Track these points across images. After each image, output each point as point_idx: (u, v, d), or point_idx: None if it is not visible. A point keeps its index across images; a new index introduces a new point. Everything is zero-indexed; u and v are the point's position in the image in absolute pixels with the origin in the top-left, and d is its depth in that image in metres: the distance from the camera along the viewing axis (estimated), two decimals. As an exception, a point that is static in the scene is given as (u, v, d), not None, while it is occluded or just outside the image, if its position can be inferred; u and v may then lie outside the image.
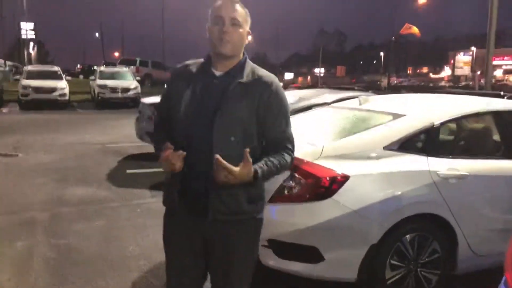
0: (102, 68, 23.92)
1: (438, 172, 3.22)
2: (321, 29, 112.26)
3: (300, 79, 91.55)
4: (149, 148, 9.43)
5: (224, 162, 1.82)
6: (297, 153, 3.18)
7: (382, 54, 78.23)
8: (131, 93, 20.84)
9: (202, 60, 2.11)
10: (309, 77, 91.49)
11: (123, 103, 20.44)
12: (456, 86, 47.99)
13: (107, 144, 10.35)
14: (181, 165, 1.92)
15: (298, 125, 4.24)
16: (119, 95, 20.71)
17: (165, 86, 2.20)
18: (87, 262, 3.97)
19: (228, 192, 1.96)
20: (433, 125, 3.40)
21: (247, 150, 1.85)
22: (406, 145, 3.30)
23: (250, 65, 2.06)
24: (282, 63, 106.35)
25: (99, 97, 20.62)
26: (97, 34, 73.89)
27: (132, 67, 29.12)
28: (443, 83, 64.14)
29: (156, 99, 9.23)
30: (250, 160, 1.86)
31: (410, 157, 3.26)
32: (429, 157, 3.28)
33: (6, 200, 5.84)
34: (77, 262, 3.96)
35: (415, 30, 27.85)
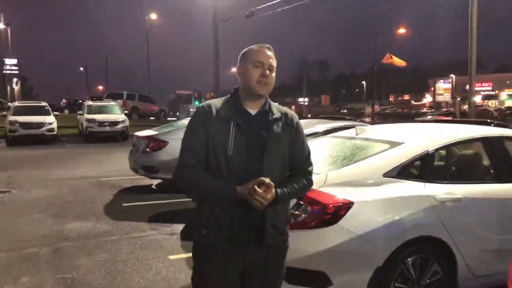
0: (90, 102, 24.01)
1: (435, 197, 3.41)
2: (304, 59, 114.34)
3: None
4: (143, 181, 9.56)
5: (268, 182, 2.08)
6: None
7: (364, 82, 79.84)
8: (119, 126, 20.92)
9: (226, 98, 2.29)
10: (293, 107, 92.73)
11: (111, 137, 20.50)
12: (437, 112, 49.17)
13: (100, 178, 10.38)
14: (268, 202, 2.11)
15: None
16: (107, 128, 20.76)
17: (192, 127, 2.22)
18: (95, 295, 4.03)
19: (278, 217, 2.23)
20: (428, 151, 3.61)
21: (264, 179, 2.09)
22: (404, 171, 3.49)
23: (273, 104, 2.32)
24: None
25: (88, 131, 20.63)
26: (81, 69, 74.24)
27: (119, 100, 29.25)
28: (424, 110, 65.43)
29: (149, 132, 9.39)
30: (272, 184, 2.10)
31: (409, 183, 3.44)
32: (426, 183, 3.47)
33: (5, 237, 5.85)
34: (85, 296, 4.01)
35: (396, 60, 28.61)
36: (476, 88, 75.57)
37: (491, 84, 77.44)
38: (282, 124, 2.25)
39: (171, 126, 9.70)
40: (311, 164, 2.37)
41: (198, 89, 55.57)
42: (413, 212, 3.31)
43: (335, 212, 3.15)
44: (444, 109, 59.17)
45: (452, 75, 74.87)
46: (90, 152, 16.23)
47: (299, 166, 2.32)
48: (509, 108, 51.35)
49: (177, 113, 37.98)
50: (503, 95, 73.62)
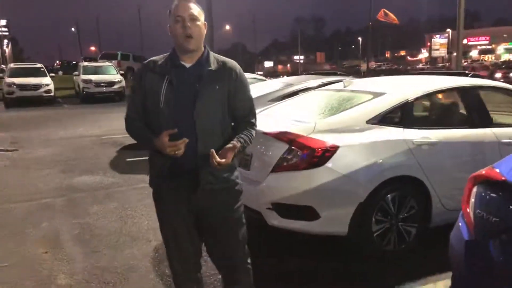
0: (85, 63, 24.06)
1: (413, 140, 3.81)
2: (299, 16, 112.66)
3: (280, 66, 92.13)
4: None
5: (216, 158, 2.18)
6: (293, 129, 3.76)
7: (360, 39, 79.16)
8: (116, 87, 21.14)
9: (167, 55, 2.39)
10: (289, 65, 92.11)
11: (108, 97, 20.76)
12: (434, 67, 49.29)
13: (102, 136, 10.77)
14: (182, 151, 2.18)
15: (292, 106, 4.81)
16: (104, 89, 20.98)
17: (134, 83, 2.42)
18: (110, 236, 4.49)
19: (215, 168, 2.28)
20: (407, 100, 4.00)
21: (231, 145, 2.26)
22: (385, 119, 3.88)
23: (212, 54, 2.37)
24: (261, 52, 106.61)
25: (84, 92, 20.86)
26: (73, 29, 73.02)
27: (113, 61, 29.24)
28: (420, 65, 65.39)
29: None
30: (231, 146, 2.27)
31: (389, 129, 3.84)
32: (405, 129, 3.87)
33: (20, 189, 6.29)
34: (101, 237, 4.47)
35: (391, 16, 28.53)
36: (473, 43, 74.91)
37: (487, 38, 77.07)
38: (217, 74, 2.31)
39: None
40: (254, 116, 2.46)
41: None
42: (392, 154, 3.73)
43: (322, 155, 3.56)
44: (440, 64, 59.12)
45: (448, 30, 74.31)
46: (88, 113, 16.54)
47: (243, 118, 2.41)
48: (505, 62, 51.35)
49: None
50: (500, 49, 73.36)
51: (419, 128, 3.95)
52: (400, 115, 3.99)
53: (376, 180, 3.67)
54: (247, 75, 10.68)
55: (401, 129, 3.87)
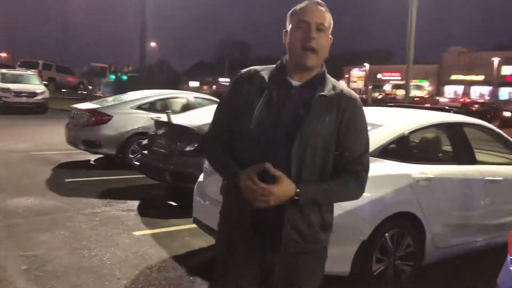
0: (4, 70, 22.11)
1: (412, 175, 3.70)
2: (224, 39, 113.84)
3: (205, 87, 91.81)
4: (79, 156, 9.15)
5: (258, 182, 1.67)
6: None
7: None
8: (38, 97, 19.57)
9: (273, 66, 1.91)
10: (214, 86, 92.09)
11: (28, 108, 19.15)
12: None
13: (31, 152, 9.71)
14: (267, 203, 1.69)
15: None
16: (24, 99, 19.34)
17: (225, 93, 1.96)
18: (67, 272, 3.86)
19: (304, 219, 1.79)
20: (404, 134, 3.90)
21: (268, 164, 1.68)
22: (385, 152, 3.74)
23: (330, 78, 1.87)
24: (187, 71, 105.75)
25: (2, 101, 19.06)
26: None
27: (34, 70, 27.23)
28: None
29: (91, 105, 8.96)
30: (282, 176, 1.69)
31: (390, 163, 3.70)
32: (403, 163, 3.75)
33: None
34: (57, 273, 3.83)
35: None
36: (387, 77, 79.99)
37: (399, 74, 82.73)
38: (330, 103, 1.79)
39: (115, 100, 9.33)
40: (364, 167, 1.88)
41: (116, 62, 53.28)
42: (395, 189, 3.58)
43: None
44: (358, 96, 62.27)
45: (366, 64, 78.90)
46: (9, 125, 15.02)
47: (347, 165, 1.83)
48: (415, 97, 55.25)
49: (100, 86, 35.97)
50: (410, 84, 78.84)
51: (416, 163, 3.85)
52: (398, 148, 3.88)
53: (379, 216, 3.49)
54: (191, 94, 10.36)
55: (400, 163, 3.74)
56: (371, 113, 4.78)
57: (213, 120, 1.98)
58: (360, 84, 75.62)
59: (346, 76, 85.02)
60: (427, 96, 58.24)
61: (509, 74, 66.07)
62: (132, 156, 8.29)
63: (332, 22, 1.85)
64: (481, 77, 64.79)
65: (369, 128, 3.96)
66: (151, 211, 5.85)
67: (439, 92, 73.76)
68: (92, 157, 9.18)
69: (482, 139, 4.78)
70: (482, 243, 4.30)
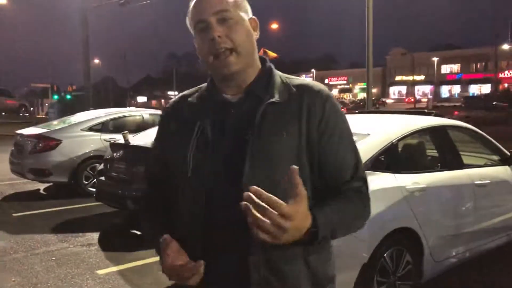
0: None
1: (406, 187, 3.41)
2: (171, 52, 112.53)
3: (154, 102, 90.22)
4: (26, 186, 8.43)
5: (265, 194, 1.05)
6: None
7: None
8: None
9: (205, 85, 1.44)
10: (163, 100, 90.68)
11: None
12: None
13: (-31, 184, 8.83)
14: (198, 277, 1.24)
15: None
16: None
17: (154, 140, 1.53)
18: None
19: (278, 269, 1.26)
20: (392, 142, 3.61)
21: (294, 168, 1.08)
22: (376, 164, 3.44)
23: (278, 75, 1.38)
24: (133, 87, 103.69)
25: None
26: None
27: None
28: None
29: (36, 130, 8.27)
30: (304, 190, 1.09)
31: (381, 175, 3.40)
32: (395, 174, 3.47)
33: None
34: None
35: (271, 54, 29.66)
36: (333, 82, 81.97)
37: (345, 78, 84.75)
38: (286, 111, 1.30)
39: (63, 123, 8.62)
40: (363, 181, 1.36)
41: (58, 81, 51.16)
42: (391, 204, 3.28)
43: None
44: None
45: (313, 70, 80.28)
46: None
47: (338, 182, 1.32)
48: (362, 100, 56.60)
49: (43, 108, 34.16)
50: (356, 88, 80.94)
51: (408, 173, 3.58)
52: (388, 158, 3.59)
53: (378, 235, 3.18)
54: (146, 110, 9.83)
55: (393, 174, 3.45)
56: (351, 121, 4.51)
57: (145, 176, 1.56)
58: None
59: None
60: (373, 98, 59.82)
61: (448, 73, 69.25)
62: (86, 182, 7.66)
63: (243, 1, 1.34)
64: (422, 77, 67.39)
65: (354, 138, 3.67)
66: (115, 243, 5.30)
67: (384, 93, 76.22)
68: (41, 186, 8.45)
69: (462, 141, 4.60)
70: (477, 250, 4.10)
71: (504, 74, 63.61)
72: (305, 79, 1.42)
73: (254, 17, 1.37)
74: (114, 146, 6.14)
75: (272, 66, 1.40)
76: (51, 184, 8.28)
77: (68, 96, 28.45)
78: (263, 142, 1.27)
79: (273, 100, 1.30)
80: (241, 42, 1.28)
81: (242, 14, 1.31)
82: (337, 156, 1.33)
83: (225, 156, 1.30)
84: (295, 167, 1.08)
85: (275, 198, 1.05)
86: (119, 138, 6.36)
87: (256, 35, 1.36)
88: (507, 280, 4.23)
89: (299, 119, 1.29)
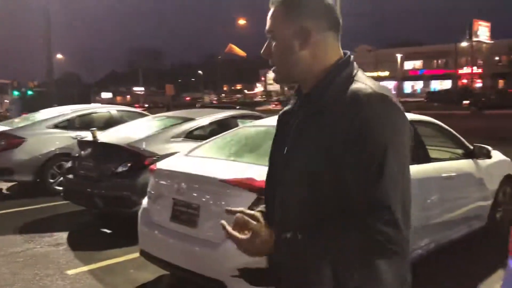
0: None
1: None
2: (134, 47, 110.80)
3: (119, 98, 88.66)
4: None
5: (229, 230, 1.31)
6: (256, 175, 3.13)
7: (200, 72, 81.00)
8: None
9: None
10: (128, 96, 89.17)
11: None
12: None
13: None
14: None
15: (231, 146, 4.15)
16: None
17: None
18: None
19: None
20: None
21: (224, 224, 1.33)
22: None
23: (342, 76, 1.29)
24: (98, 82, 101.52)
25: None
26: None
27: None
28: (258, 98, 69.58)
29: (1, 127, 7.98)
30: (250, 222, 1.31)
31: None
32: None
33: None
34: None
35: (238, 50, 29.60)
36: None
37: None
38: (319, 121, 1.25)
39: (27, 120, 8.35)
40: (380, 214, 1.16)
41: (17, 77, 49.51)
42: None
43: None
44: (275, 98, 63.64)
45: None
46: None
47: (354, 207, 1.19)
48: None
49: (2, 104, 32.85)
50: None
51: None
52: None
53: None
54: (118, 107, 9.67)
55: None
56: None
57: None
58: (276, 86, 77.01)
59: (263, 78, 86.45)
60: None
61: (411, 69, 70.93)
62: (52, 180, 7.46)
63: (283, 21, 1.32)
64: (386, 73, 68.72)
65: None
66: (84, 243, 5.20)
67: (350, 89, 77.25)
68: (4, 185, 8.17)
69: (428, 136, 4.74)
70: (442, 241, 4.24)
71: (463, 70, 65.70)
72: (364, 84, 1.26)
73: (305, 25, 1.30)
74: (82, 143, 6.02)
75: (343, 67, 1.32)
76: (15, 183, 8.04)
77: (30, 92, 27.58)
78: (294, 150, 1.31)
79: (315, 110, 1.28)
80: (276, 60, 1.36)
81: (283, 33, 1.33)
82: (358, 179, 1.19)
83: (277, 157, 1.41)
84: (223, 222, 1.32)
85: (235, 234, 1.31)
86: (86, 135, 6.23)
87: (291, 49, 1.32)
88: (474, 267, 4.38)
89: (333, 129, 1.21)
